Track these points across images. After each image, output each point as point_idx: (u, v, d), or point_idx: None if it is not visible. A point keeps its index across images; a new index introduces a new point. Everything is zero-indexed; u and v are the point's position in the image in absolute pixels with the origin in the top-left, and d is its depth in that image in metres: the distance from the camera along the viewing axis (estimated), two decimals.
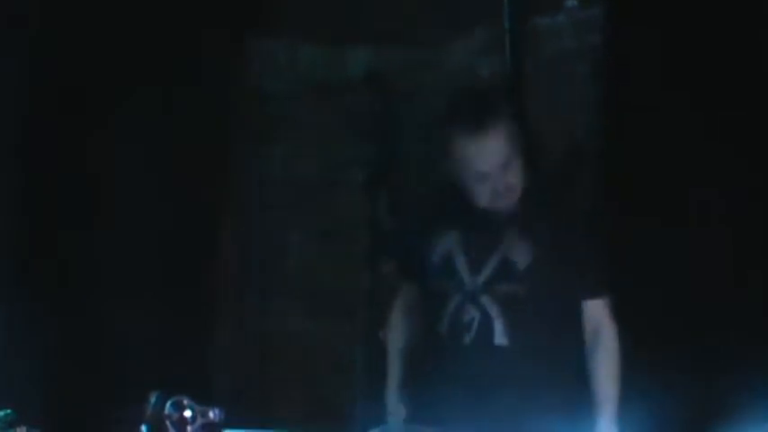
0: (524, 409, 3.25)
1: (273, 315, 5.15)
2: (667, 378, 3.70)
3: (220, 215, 5.01)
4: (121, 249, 4.40)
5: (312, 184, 5.15)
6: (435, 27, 4.88)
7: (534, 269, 3.32)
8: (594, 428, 3.25)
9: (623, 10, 4.30)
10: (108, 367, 4.15)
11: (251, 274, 5.16)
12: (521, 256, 3.33)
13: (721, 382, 3.62)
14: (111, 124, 4.41)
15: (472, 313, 3.35)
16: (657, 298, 3.93)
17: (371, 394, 4.83)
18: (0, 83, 4.15)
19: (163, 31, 4.49)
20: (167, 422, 2.50)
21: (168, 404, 2.51)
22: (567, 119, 4.62)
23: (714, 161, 3.97)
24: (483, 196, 3.31)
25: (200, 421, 2.51)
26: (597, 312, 3.34)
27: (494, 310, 3.34)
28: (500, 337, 3.33)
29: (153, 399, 2.52)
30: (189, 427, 2.50)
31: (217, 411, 2.53)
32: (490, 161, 3.25)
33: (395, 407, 3.51)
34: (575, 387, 3.32)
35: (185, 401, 2.52)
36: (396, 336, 3.63)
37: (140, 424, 2.53)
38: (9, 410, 2.60)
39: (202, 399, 2.55)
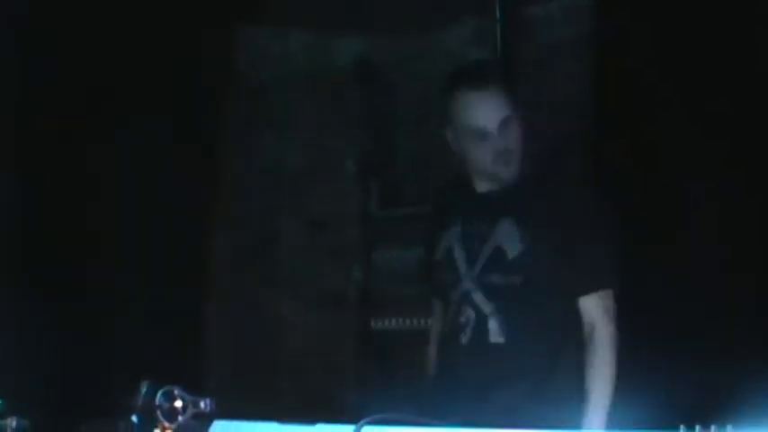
0: (522, 405, 3.25)
1: (265, 305, 5.14)
2: (663, 374, 3.69)
3: (211, 205, 5.00)
4: (111, 238, 4.39)
5: (303, 174, 5.15)
6: (426, 16, 4.87)
7: (526, 258, 3.33)
8: (587, 426, 3.24)
9: None
10: (98, 357, 4.14)
11: (242, 265, 5.15)
12: (512, 244, 3.34)
13: (717, 377, 3.61)
14: (101, 115, 4.39)
15: (468, 313, 3.39)
16: (654, 294, 3.91)
17: (363, 384, 4.84)
18: None
19: (152, 20, 4.46)
20: (158, 412, 2.49)
21: (159, 394, 2.50)
22: (558, 108, 4.61)
23: (708, 151, 3.96)
24: (484, 159, 3.36)
25: (191, 411, 2.50)
26: (592, 310, 3.32)
27: (488, 308, 3.36)
28: (495, 336, 3.36)
29: (144, 389, 2.51)
30: (180, 417, 2.49)
31: (208, 401, 2.52)
32: (491, 117, 3.33)
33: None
34: (572, 383, 3.31)
35: (176, 391, 2.51)
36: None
37: (131, 414, 2.52)
38: None
39: (194, 389, 2.54)
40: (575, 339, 3.34)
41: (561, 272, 3.33)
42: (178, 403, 2.49)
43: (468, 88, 3.37)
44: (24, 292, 3.96)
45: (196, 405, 2.51)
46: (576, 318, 3.33)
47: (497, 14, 4.75)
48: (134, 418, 2.52)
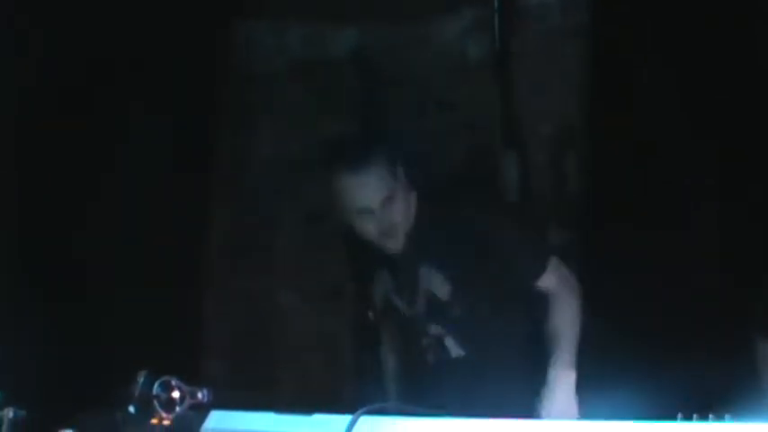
0: (502, 400, 3.28)
1: (262, 295, 5.14)
2: (661, 364, 3.70)
3: (207, 197, 5.00)
4: (108, 230, 4.38)
5: (299, 165, 5.14)
6: (424, 6, 4.86)
7: (458, 295, 3.46)
8: (552, 373, 3.29)
9: None
10: (95, 347, 4.14)
11: (239, 255, 5.15)
12: (441, 288, 3.46)
13: (715, 367, 3.61)
14: (95, 110, 4.38)
15: (425, 338, 3.54)
16: (651, 283, 3.92)
17: (360, 374, 4.84)
18: None
19: (149, 14, 4.45)
20: (155, 403, 2.49)
21: (156, 385, 2.50)
22: (554, 98, 4.60)
23: (703, 142, 3.96)
24: (370, 234, 3.44)
25: (188, 402, 2.50)
26: (548, 284, 3.41)
27: (440, 331, 3.51)
28: (456, 351, 3.50)
29: (141, 379, 2.51)
30: (177, 408, 2.49)
31: (205, 392, 2.52)
32: (373, 197, 3.38)
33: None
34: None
35: (173, 382, 2.51)
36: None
37: (128, 404, 2.52)
38: None
39: (191, 379, 2.54)
40: (533, 320, 3.45)
41: (492, 294, 3.44)
42: (175, 394, 2.50)
43: (348, 171, 3.38)
44: (21, 284, 3.96)
45: (193, 396, 2.51)
46: (528, 300, 3.45)
47: (495, 4, 4.73)
48: (131, 409, 2.52)
